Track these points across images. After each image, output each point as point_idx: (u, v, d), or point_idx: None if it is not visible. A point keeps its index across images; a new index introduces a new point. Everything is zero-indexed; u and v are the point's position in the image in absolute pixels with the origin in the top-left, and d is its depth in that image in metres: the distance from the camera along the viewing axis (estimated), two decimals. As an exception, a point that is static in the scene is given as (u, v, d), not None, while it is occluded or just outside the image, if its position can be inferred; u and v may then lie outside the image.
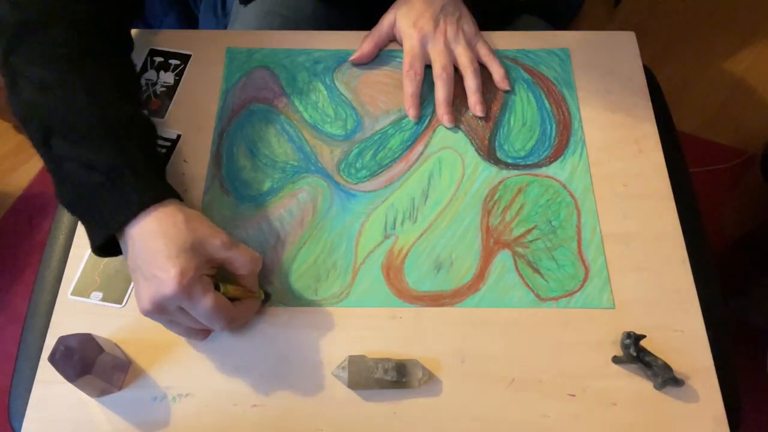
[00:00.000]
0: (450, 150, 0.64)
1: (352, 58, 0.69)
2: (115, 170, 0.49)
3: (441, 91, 0.65)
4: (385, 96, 0.68)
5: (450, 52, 0.67)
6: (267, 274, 0.57)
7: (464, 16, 0.68)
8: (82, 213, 0.51)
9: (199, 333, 0.53)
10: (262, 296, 0.55)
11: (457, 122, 0.66)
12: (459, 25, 0.67)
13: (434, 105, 0.66)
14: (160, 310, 0.48)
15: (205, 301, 0.48)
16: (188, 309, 0.48)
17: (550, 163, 0.63)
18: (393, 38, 0.70)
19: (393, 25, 0.69)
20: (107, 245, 0.51)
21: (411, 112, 0.66)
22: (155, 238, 0.48)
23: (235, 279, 0.52)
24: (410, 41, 0.67)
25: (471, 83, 0.66)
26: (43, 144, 0.51)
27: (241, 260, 0.51)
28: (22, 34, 0.52)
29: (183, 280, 0.46)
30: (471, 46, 0.67)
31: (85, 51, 0.54)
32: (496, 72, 0.67)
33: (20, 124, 0.52)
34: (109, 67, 0.55)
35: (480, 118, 0.66)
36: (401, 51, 0.68)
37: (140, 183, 0.49)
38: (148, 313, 0.48)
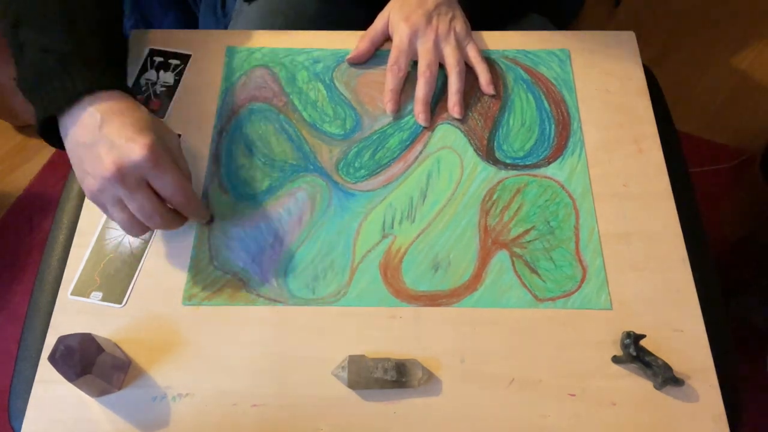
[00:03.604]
0: (449, 150, 0.64)
1: (348, 57, 0.69)
2: (69, 56, 0.52)
3: (421, 90, 0.65)
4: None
5: (438, 50, 0.66)
6: (265, 272, 0.57)
7: (457, 17, 0.68)
8: (37, 92, 0.52)
9: (138, 227, 0.52)
10: (209, 217, 0.59)
11: (455, 121, 0.66)
12: (451, 25, 0.67)
13: (435, 104, 0.66)
14: (120, 179, 0.48)
15: (173, 174, 0.50)
16: (152, 180, 0.50)
17: (549, 163, 0.63)
18: (389, 37, 0.70)
19: (387, 23, 0.69)
20: (52, 131, 0.53)
21: (389, 106, 0.66)
22: (123, 114, 0.51)
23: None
24: (399, 35, 0.66)
25: (454, 84, 0.66)
26: (11, 33, 0.54)
27: (185, 166, 0.55)
28: None
29: (154, 148, 0.49)
30: (461, 47, 0.67)
31: None
32: (482, 76, 0.67)
33: None
34: None
35: (478, 117, 0.66)
36: None
37: (93, 70, 0.52)
38: (105, 181, 0.49)
